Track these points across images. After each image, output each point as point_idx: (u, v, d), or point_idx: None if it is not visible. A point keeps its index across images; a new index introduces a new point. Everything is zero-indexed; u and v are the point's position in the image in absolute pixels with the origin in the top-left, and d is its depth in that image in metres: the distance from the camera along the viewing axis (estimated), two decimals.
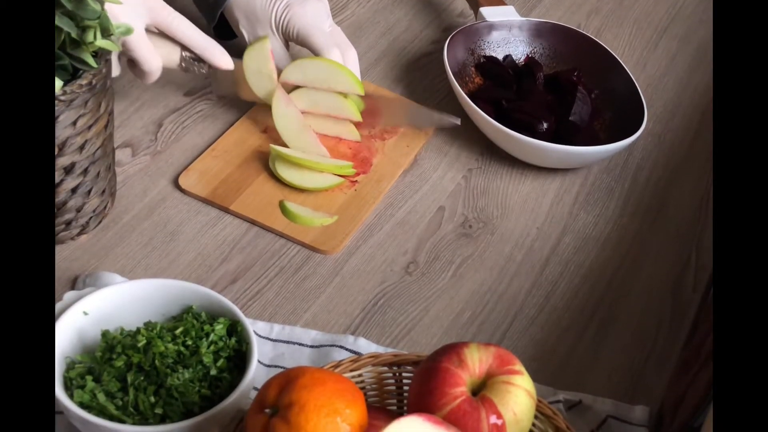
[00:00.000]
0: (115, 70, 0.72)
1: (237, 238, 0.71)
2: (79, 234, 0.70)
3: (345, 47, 0.77)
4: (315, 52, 0.76)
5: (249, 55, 0.74)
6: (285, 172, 0.74)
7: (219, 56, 0.73)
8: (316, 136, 0.75)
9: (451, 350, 0.53)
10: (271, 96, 0.75)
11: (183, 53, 0.74)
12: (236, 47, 0.84)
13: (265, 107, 0.78)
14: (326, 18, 0.77)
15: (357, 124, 0.77)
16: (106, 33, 0.60)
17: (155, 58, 0.70)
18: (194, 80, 0.80)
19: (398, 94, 0.84)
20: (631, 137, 0.77)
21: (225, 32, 0.82)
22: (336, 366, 0.55)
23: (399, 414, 0.55)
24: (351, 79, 0.74)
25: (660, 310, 0.70)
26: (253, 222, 0.72)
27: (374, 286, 0.69)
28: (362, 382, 0.56)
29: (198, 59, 0.74)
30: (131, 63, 0.72)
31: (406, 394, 0.56)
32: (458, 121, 0.76)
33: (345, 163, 0.76)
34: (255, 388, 0.58)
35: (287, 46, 0.79)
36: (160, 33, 0.73)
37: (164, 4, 0.71)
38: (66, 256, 0.69)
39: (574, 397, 0.62)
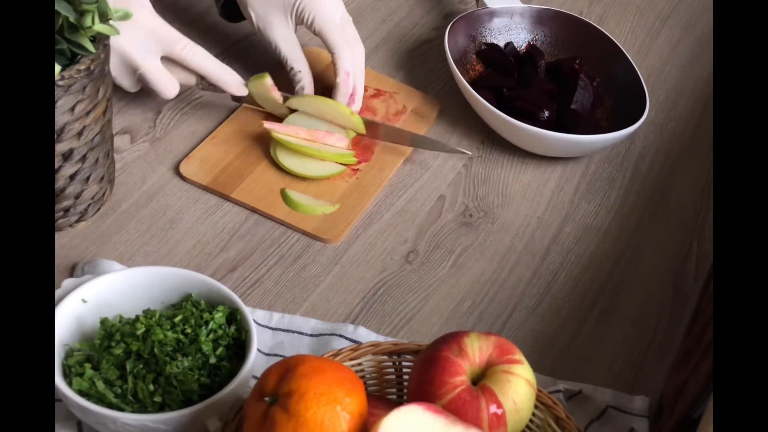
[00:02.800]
0: (135, 89, 0.73)
1: (236, 226, 0.71)
2: (78, 221, 0.69)
3: (354, 44, 0.77)
4: (328, 48, 0.76)
5: (252, 88, 0.75)
6: (286, 160, 0.74)
7: (234, 86, 0.74)
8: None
9: (451, 339, 0.53)
10: (280, 111, 0.76)
11: (200, 78, 0.75)
12: (244, 30, 0.83)
13: None
14: (339, 7, 0.77)
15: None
16: (104, 17, 0.60)
17: (172, 86, 0.72)
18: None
19: (401, 83, 0.83)
20: (632, 126, 0.77)
21: (232, 13, 0.81)
22: (336, 355, 0.55)
23: (399, 403, 0.54)
24: (354, 120, 0.75)
25: (660, 300, 0.70)
26: (254, 210, 0.72)
27: (374, 275, 0.69)
28: (362, 371, 0.56)
29: (213, 84, 0.75)
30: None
31: (405, 383, 0.56)
32: (470, 153, 0.76)
33: (347, 151, 0.75)
34: (254, 377, 0.58)
35: (295, 28, 0.78)
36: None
37: (179, 36, 0.72)
38: (64, 243, 0.68)
39: (574, 386, 0.62)
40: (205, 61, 0.73)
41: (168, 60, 0.73)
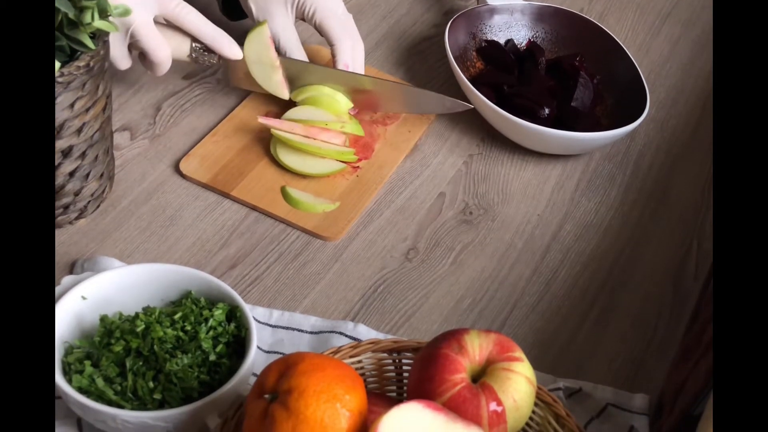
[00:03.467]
0: (125, 63, 0.71)
1: (236, 224, 0.71)
2: (77, 218, 0.69)
3: (354, 39, 0.76)
4: (329, 40, 0.76)
5: (248, 45, 0.74)
6: (287, 158, 0.74)
7: (228, 46, 0.73)
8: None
9: (451, 337, 0.53)
10: (275, 85, 0.75)
11: (193, 44, 0.74)
12: (245, 28, 0.83)
13: (266, 91, 0.78)
14: (340, 2, 0.77)
15: (357, 109, 0.77)
16: (104, 14, 0.60)
17: (164, 48, 0.70)
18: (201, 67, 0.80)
19: (401, 80, 0.83)
20: (633, 123, 0.77)
21: (234, 12, 0.81)
22: (336, 352, 0.55)
23: (399, 400, 0.54)
24: (353, 127, 0.75)
25: (661, 298, 0.70)
26: (254, 208, 0.72)
27: (374, 273, 0.69)
28: (362, 368, 0.56)
29: (207, 50, 0.74)
30: (142, 55, 0.72)
31: (405, 381, 0.56)
32: (471, 106, 0.75)
33: (346, 149, 0.75)
34: (254, 374, 0.58)
35: (294, 21, 0.78)
36: (169, 24, 0.72)
37: None
38: (64, 240, 0.68)
39: (574, 384, 0.62)
40: (199, 21, 0.71)
41: (161, 26, 0.71)
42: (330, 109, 0.76)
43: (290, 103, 0.78)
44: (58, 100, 0.61)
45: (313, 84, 0.76)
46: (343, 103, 0.76)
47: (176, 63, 0.74)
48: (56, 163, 0.64)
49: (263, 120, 0.74)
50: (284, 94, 0.76)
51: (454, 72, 0.80)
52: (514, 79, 0.81)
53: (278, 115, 0.76)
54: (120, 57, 0.70)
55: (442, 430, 0.48)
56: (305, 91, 0.76)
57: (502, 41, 0.85)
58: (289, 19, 0.76)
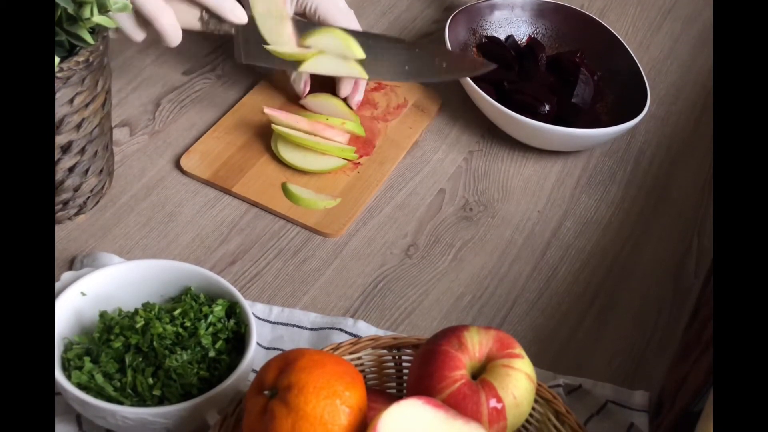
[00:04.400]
0: (138, 35, 0.68)
1: (236, 220, 0.71)
2: (77, 214, 0.69)
3: None
4: None
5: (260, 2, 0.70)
6: (287, 154, 0.74)
7: (231, 11, 0.69)
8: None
9: (451, 333, 0.52)
10: (285, 39, 0.71)
11: (202, 12, 0.70)
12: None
13: (266, 87, 0.78)
14: None
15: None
16: (103, 9, 0.60)
17: (166, 15, 0.66)
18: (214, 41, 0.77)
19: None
20: (633, 120, 0.76)
21: None
22: (335, 348, 0.55)
23: (398, 397, 0.54)
24: (354, 127, 0.75)
25: (661, 295, 0.70)
26: (255, 204, 0.72)
27: (374, 269, 0.69)
28: (362, 364, 0.56)
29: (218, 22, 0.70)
30: (152, 28, 0.67)
31: (405, 378, 0.56)
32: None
33: (347, 146, 0.75)
34: (254, 370, 0.58)
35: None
36: None
37: None
38: (63, 236, 0.68)
39: (574, 381, 0.62)
40: None
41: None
42: (343, 43, 0.71)
43: (292, 102, 0.78)
44: (57, 96, 0.60)
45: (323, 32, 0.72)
46: (354, 49, 0.72)
47: (193, 35, 0.71)
48: (56, 158, 0.64)
49: (268, 111, 0.73)
50: (293, 48, 0.72)
51: None
52: (515, 76, 0.81)
53: (285, 94, 0.76)
54: (130, 28, 0.67)
55: (442, 427, 0.47)
56: (316, 33, 0.72)
57: (502, 37, 0.85)
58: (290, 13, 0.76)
